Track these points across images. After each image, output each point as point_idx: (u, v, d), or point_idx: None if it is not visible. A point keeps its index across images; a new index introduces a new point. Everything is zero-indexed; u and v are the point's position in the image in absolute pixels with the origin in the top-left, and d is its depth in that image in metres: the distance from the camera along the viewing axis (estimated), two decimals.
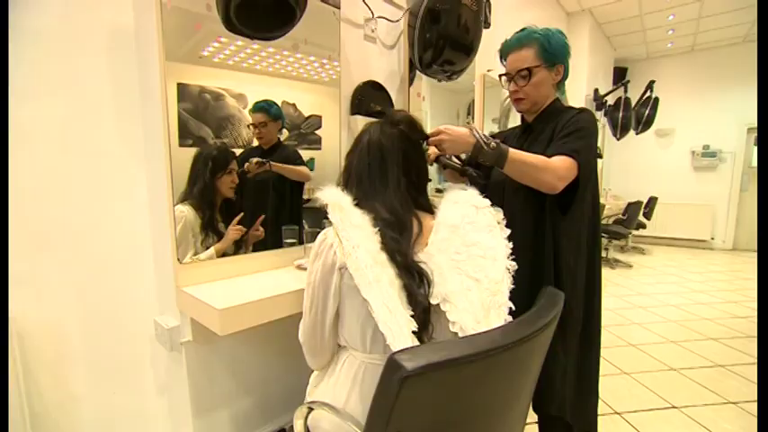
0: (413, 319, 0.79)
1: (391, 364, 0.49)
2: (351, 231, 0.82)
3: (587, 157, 1.09)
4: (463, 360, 0.52)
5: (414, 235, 0.88)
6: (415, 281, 0.83)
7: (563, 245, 1.14)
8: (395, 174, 0.92)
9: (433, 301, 0.83)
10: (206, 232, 1.28)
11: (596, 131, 1.14)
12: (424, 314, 0.82)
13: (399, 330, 0.76)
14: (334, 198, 0.86)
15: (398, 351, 0.50)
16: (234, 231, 1.33)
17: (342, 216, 0.83)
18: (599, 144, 5.33)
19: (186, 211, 1.22)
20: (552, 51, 1.14)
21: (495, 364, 0.57)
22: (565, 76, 1.19)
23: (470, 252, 0.85)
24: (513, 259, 0.88)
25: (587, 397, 1.26)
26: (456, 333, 0.80)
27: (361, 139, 0.97)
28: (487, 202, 0.93)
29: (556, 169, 1.04)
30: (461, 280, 0.83)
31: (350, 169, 0.97)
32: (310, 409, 0.92)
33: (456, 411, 0.59)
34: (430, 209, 0.96)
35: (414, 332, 0.78)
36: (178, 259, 1.18)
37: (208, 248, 1.28)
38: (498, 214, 0.93)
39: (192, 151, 1.22)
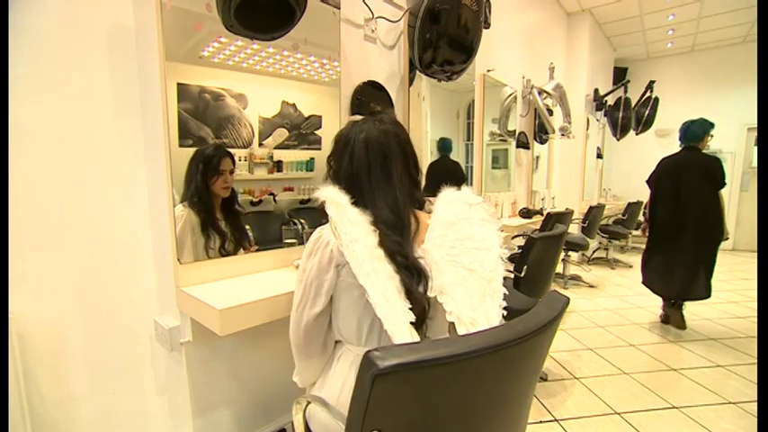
0: (410, 312, 0.80)
1: (365, 361, 0.50)
2: (348, 227, 0.83)
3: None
4: (438, 361, 0.52)
5: (412, 232, 0.90)
6: (414, 278, 0.84)
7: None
8: (398, 170, 0.92)
9: (431, 294, 0.85)
10: (207, 234, 1.27)
11: (662, 169, 2.50)
12: (423, 312, 0.84)
13: (398, 320, 0.77)
14: (331, 195, 0.87)
15: (375, 349, 0.51)
16: None
17: (339, 212, 0.84)
18: (599, 145, 5.36)
19: (185, 211, 1.22)
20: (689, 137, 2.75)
21: (478, 367, 0.57)
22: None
23: (465, 245, 0.88)
24: None
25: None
26: (452, 323, 0.82)
27: (351, 138, 0.93)
28: (480, 198, 0.95)
29: None
30: (456, 271, 0.86)
31: (339, 171, 0.95)
32: (308, 403, 0.94)
33: (437, 412, 0.58)
34: (424, 206, 0.98)
35: (411, 323, 0.79)
36: (178, 259, 1.18)
37: (211, 250, 1.27)
38: (489, 210, 0.95)
39: (192, 151, 1.22)
